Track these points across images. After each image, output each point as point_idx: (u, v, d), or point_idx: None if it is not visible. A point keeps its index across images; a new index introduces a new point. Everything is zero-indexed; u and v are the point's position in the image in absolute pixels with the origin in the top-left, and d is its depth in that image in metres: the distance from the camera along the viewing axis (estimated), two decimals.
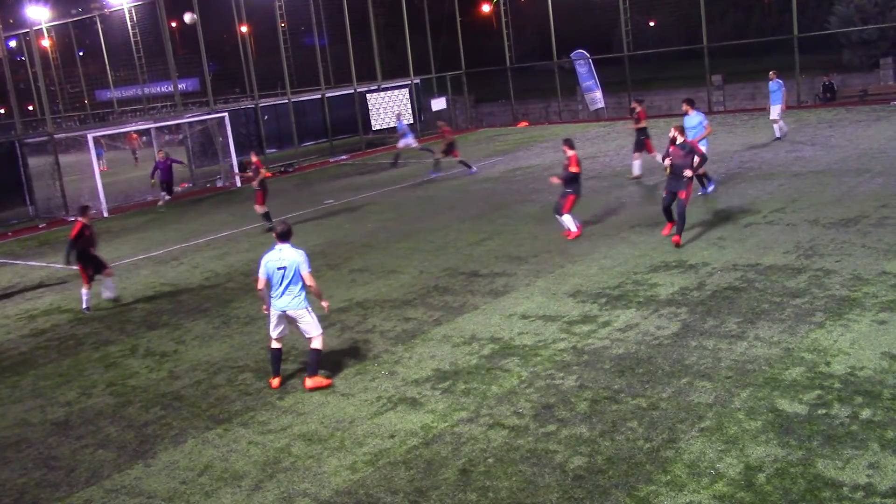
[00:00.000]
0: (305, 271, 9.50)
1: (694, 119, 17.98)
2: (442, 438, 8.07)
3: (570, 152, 15.29)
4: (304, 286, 9.57)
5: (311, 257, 16.35)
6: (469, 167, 25.82)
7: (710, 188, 17.87)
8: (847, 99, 32.83)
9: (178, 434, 8.96)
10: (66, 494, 7.92)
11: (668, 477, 6.88)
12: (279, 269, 9.50)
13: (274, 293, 9.58)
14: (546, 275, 13.30)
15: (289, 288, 9.52)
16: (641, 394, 8.50)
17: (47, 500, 7.86)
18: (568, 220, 15.47)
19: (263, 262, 9.65)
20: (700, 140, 17.02)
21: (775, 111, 24.27)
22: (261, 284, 9.74)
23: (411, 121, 35.34)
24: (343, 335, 11.60)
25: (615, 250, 14.25)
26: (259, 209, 19.97)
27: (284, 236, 9.70)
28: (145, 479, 8.03)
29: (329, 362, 10.52)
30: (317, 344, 9.69)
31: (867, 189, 16.55)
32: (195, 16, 30.83)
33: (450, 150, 25.86)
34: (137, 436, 9.06)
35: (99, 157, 42.30)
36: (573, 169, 15.15)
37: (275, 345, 9.88)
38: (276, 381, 9.92)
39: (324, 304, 9.84)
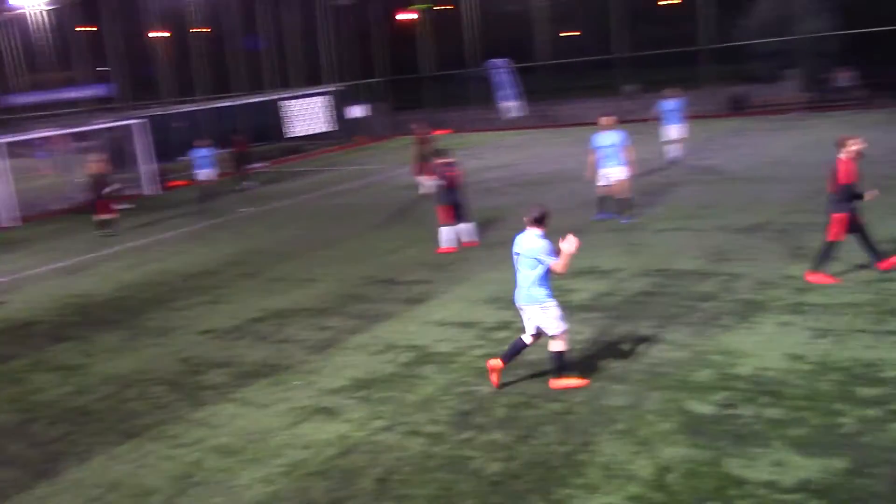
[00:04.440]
0: (549, 262, 8.51)
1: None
2: (359, 448, 8.00)
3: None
4: (538, 279, 8.61)
5: (226, 267, 16.26)
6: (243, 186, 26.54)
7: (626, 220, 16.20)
8: (753, 109, 33.93)
9: (85, 450, 8.67)
10: None
11: (583, 480, 6.97)
12: (515, 254, 8.79)
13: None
14: (463, 282, 13.35)
15: (520, 279, 8.77)
16: (557, 398, 8.59)
17: None
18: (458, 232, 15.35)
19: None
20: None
21: (676, 131, 22.41)
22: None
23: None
24: (258, 345, 11.42)
25: None
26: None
27: (534, 221, 8.76)
28: (50, 497, 7.75)
29: (242, 373, 10.36)
30: (554, 346, 8.77)
31: (773, 196, 17.11)
32: None
33: (241, 162, 27.33)
34: (42, 453, 8.73)
35: (44, 158, 40.61)
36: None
37: (525, 338, 8.95)
38: (493, 361, 9.02)
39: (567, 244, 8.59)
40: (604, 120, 16.28)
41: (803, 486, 6.49)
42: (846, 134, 11.61)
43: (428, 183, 21.26)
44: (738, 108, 34.31)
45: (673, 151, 22.66)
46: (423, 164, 21.41)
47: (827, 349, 9.07)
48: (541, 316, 8.73)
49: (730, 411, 7.87)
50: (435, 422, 8.38)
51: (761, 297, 11.02)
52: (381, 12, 42.57)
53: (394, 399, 9.06)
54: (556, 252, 8.63)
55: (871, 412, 7.56)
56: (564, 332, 8.82)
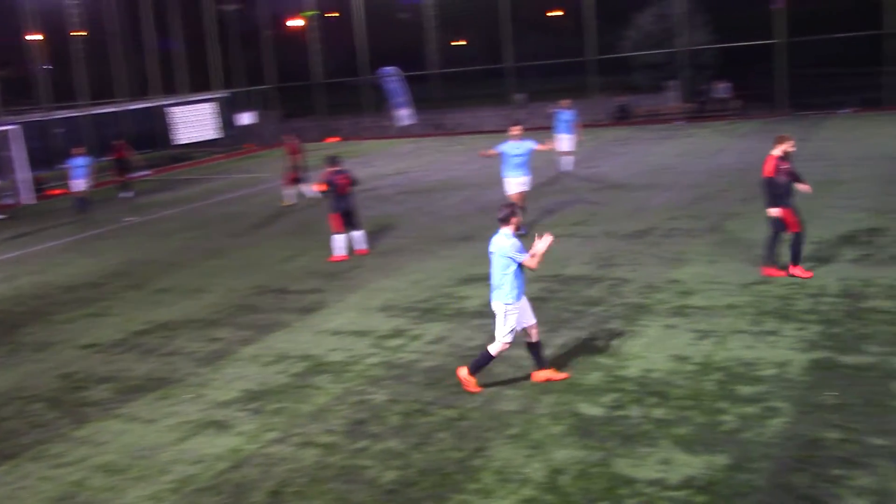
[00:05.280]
0: (520, 258, 8.59)
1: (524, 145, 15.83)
2: (251, 461, 7.85)
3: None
4: (511, 278, 8.65)
5: (110, 278, 15.70)
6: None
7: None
8: (638, 118, 35.06)
9: None
10: None
11: (478, 485, 7.02)
12: (490, 253, 8.82)
13: None
14: (357, 290, 13.29)
15: (494, 277, 8.77)
16: (452, 405, 8.64)
17: None
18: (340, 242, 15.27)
19: None
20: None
21: (568, 141, 22.45)
22: None
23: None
24: (145, 358, 11.07)
25: (425, 264, 14.45)
26: None
27: (501, 220, 8.81)
28: None
29: (127, 388, 10.02)
30: (491, 347, 8.86)
31: (657, 202, 17.70)
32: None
33: (122, 169, 26.87)
34: None
35: None
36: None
37: (530, 338, 8.99)
38: (540, 374, 9.02)
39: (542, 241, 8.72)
40: (513, 129, 16.02)
41: (688, 483, 6.72)
42: (783, 134, 12.06)
43: (307, 191, 21.50)
44: (624, 117, 35.38)
45: (565, 162, 22.68)
46: (294, 173, 21.56)
47: (709, 350, 9.43)
48: (499, 316, 8.80)
49: (619, 412, 8.08)
50: (329, 432, 8.30)
51: (647, 300, 11.37)
52: (270, 18, 42.03)
53: (287, 410, 8.93)
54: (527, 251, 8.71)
55: (750, 409, 7.89)
56: (505, 346, 8.87)
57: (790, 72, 32.49)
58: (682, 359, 9.25)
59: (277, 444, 8.13)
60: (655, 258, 13.42)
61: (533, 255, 8.65)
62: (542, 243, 8.70)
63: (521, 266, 8.72)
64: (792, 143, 11.81)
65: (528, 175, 16.02)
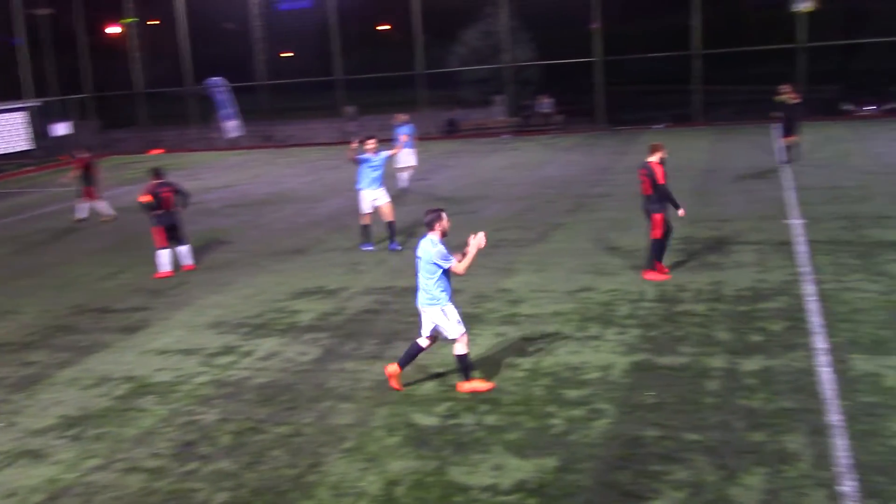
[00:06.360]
0: (446, 265, 8.68)
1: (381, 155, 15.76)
2: (71, 491, 7.40)
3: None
4: (438, 282, 8.74)
5: None
6: None
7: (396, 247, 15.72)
8: (466, 132, 35.85)
9: None
10: None
11: (313, 501, 6.93)
12: (417, 258, 8.90)
13: None
14: (184, 307, 12.83)
15: (420, 282, 8.85)
16: (285, 421, 8.49)
17: None
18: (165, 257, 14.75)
19: None
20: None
21: (408, 156, 21.47)
22: None
23: None
24: None
25: (256, 279, 14.16)
26: None
27: (428, 225, 8.87)
28: None
29: None
30: (457, 349, 8.83)
31: (486, 215, 18.14)
32: None
33: None
34: None
35: None
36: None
37: (421, 341, 9.04)
38: (390, 367, 9.08)
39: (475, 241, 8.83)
40: (368, 143, 15.70)
41: (520, 487, 6.90)
42: (656, 141, 12.68)
43: (99, 206, 20.96)
44: (452, 130, 36.09)
45: (403, 178, 21.86)
46: (89, 188, 20.86)
47: (538, 356, 9.73)
48: (440, 318, 8.78)
49: (453, 421, 8.19)
50: (156, 455, 7.96)
51: (478, 309, 11.61)
52: (86, 25, 40.05)
53: (109, 435, 8.49)
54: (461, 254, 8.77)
55: (576, 412, 8.20)
56: (464, 335, 8.84)
57: (608, 89, 34.16)
58: (512, 366, 9.50)
59: (99, 472, 7.72)
60: (485, 268, 13.71)
61: (460, 261, 8.75)
62: (473, 246, 8.79)
63: (446, 270, 8.77)
64: (666, 149, 12.51)
65: (383, 187, 15.86)
